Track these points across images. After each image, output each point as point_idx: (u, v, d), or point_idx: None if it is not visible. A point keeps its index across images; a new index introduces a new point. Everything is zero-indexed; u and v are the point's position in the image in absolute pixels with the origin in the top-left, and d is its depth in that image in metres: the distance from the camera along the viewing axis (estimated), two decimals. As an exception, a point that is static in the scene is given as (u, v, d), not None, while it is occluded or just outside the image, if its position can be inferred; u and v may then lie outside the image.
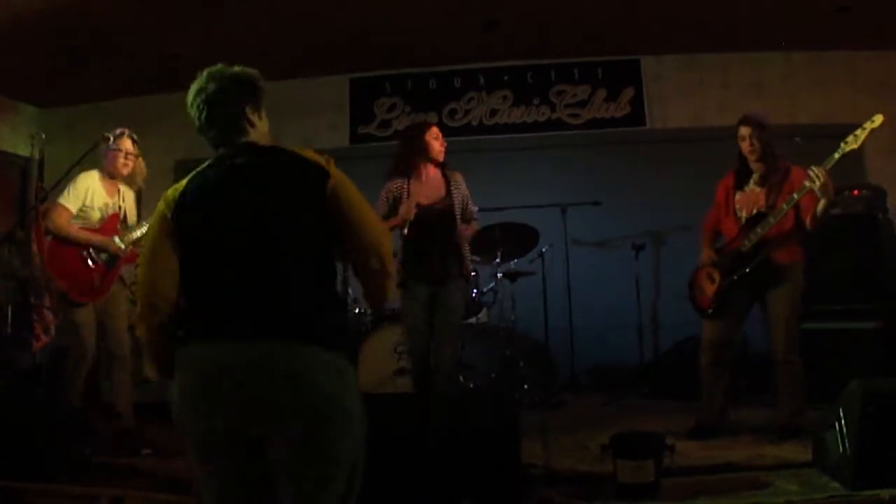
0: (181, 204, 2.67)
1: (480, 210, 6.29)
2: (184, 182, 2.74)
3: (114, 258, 5.90)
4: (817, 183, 5.06)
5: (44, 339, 7.19)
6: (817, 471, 4.39)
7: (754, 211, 5.49)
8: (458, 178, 5.84)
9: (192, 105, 2.77)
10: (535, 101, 9.27)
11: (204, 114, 2.75)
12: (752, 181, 5.62)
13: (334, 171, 2.73)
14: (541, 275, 8.00)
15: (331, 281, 2.75)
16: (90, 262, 5.86)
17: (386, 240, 2.80)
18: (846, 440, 4.08)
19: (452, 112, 9.33)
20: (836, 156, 5.14)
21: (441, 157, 5.76)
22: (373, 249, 2.73)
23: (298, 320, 2.53)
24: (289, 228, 2.63)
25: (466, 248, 5.81)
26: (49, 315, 7.24)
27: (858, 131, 5.15)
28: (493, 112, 9.33)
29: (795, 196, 5.22)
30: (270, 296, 2.54)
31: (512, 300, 7.73)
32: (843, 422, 4.12)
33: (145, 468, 5.05)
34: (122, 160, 6.00)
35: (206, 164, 2.78)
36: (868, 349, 6.28)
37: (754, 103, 8.47)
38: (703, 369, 5.66)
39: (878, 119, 5.16)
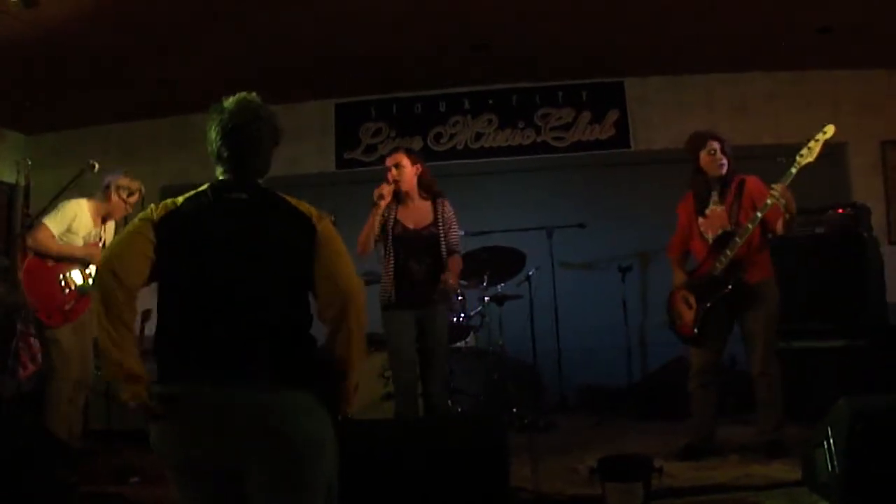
0: (170, 223, 2.64)
1: (466, 234, 6.25)
2: (179, 200, 2.71)
3: (85, 288, 5.93)
4: (781, 201, 5.09)
5: (31, 367, 7.15)
6: (806, 490, 4.38)
7: (720, 231, 5.52)
8: (447, 206, 5.79)
9: (225, 122, 2.72)
10: (520, 125, 9.31)
11: (225, 138, 2.72)
12: (711, 202, 5.65)
13: (323, 226, 2.75)
14: (528, 298, 7.98)
15: (306, 322, 2.73)
16: (65, 288, 5.89)
17: (359, 295, 2.77)
18: (835, 459, 4.07)
19: (438, 136, 9.36)
20: (793, 171, 5.16)
21: (402, 185, 5.68)
22: (349, 295, 2.73)
23: (273, 362, 2.54)
24: (273, 273, 2.64)
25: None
26: (36, 343, 7.21)
27: (812, 143, 5.18)
28: (479, 136, 9.37)
29: (759, 214, 5.24)
30: (247, 335, 2.56)
31: (499, 323, 7.74)
32: (831, 440, 4.12)
33: (132, 496, 5.01)
34: (124, 209, 6.12)
35: (204, 189, 2.75)
36: (854, 367, 6.29)
37: (739, 123, 8.54)
38: (693, 393, 5.67)
39: (830, 129, 5.18)
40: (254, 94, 2.81)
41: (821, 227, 6.84)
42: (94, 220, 6.05)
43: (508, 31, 7.67)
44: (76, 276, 5.96)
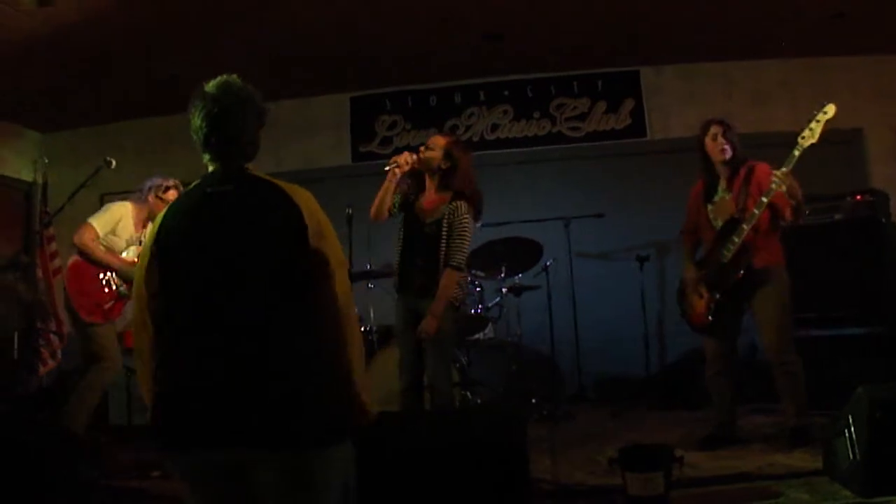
0: (164, 227, 2.64)
1: (483, 225, 6.17)
2: (178, 199, 2.70)
3: (122, 293, 5.91)
4: (782, 187, 5.07)
5: (50, 363, 7.22)
6: (828, 478, 4.36)
7: (728, 218, 5.49)
8: (462, 210, 5.28)
9: (210, 107, 2.64)
10: (536, 115, 9.29)
11: (211, 124, 2.64)
12: (720, 189, 5.63)
13: (308, 207, 2.61)
14: (546, 289, 7.99)
15: (310, 333, 2.55)
16: (105, 287, 5.87)
17: (347, 297, 2.61)
18: (855, 447, 4.06)
19: (453, 128, 9.33)
20: (796, 153, 5.12)
21: (417, 164, 5.34)
22: (334, 280, 2.55)
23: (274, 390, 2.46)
24: (263, 271, 2.53)
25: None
26: (56, 340, 7.27)
27: (813, 124, 5.14)
28: (494, 127, 9.36)
29: (764, 199, 5.19)
30: (243, 351, 2.47)
31: (517, 315, 7.73)
32: (851, 428, 4.11)
33: (153, 491, 5.03)
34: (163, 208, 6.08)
35: (195, 184, 2.72)
36: (873, 354, 6.26)
37: (755, 111, 8.50)
38: (709, 380, 5.66)
39: (831, 109, 5.15)
40: (234, 76, 2.72)
41: (839, 214, 6.80)
42: (137, 225, 6.03)
43: (522, 21, 7.65)
44: (117, 278, 5.95)
